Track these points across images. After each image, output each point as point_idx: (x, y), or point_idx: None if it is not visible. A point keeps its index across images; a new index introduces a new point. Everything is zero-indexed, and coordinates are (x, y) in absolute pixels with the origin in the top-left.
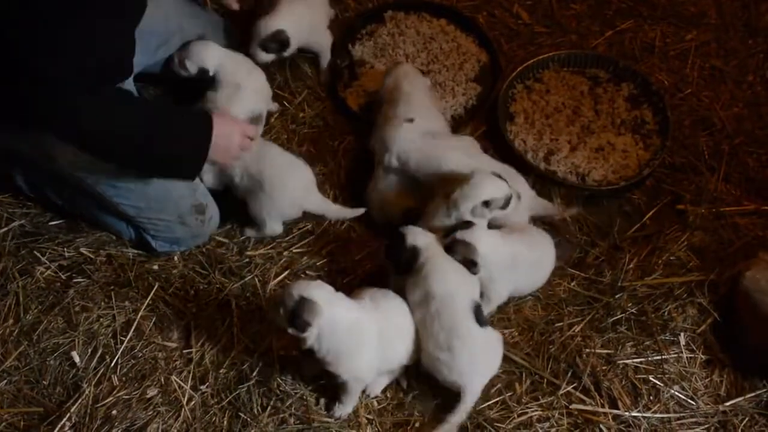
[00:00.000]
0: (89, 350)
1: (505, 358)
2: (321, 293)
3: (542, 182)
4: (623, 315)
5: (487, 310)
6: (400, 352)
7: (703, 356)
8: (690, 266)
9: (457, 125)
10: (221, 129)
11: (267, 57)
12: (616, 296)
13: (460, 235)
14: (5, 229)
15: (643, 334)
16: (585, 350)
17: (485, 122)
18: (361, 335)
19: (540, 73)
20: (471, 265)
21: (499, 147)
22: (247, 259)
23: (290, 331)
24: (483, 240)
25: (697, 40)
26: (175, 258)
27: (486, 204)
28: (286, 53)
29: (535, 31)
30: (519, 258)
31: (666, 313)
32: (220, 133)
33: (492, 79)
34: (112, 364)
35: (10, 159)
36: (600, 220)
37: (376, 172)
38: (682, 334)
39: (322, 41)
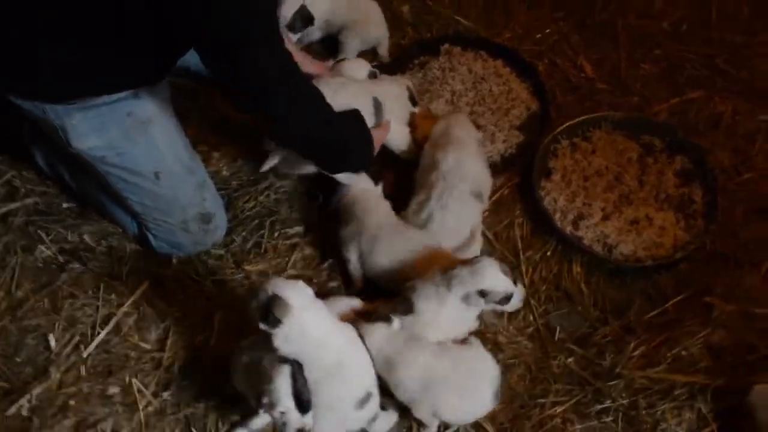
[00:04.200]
0: (66, 336)
1: (477, 426)
2: (295, 295)
3: (564, 246)
4: (612, 404)
5: None
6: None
7: None
8: (700, 366)
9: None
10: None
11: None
12: (610, 383)
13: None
14: (19, 204)
15: (629, 430)
16: None
17: (520, 174)
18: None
19: (590, 131)
20: None
21: (528, 202)
22: (243, 274)
23: (261, 326)
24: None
25: None
26: (174, 260)
27: (482, 294)
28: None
29: (596, 87)
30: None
31: (659, 412)
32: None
33: (538, 130)
34: (84, 355)
35: (33, 133)
36: (619, 298)
37: None
38: None
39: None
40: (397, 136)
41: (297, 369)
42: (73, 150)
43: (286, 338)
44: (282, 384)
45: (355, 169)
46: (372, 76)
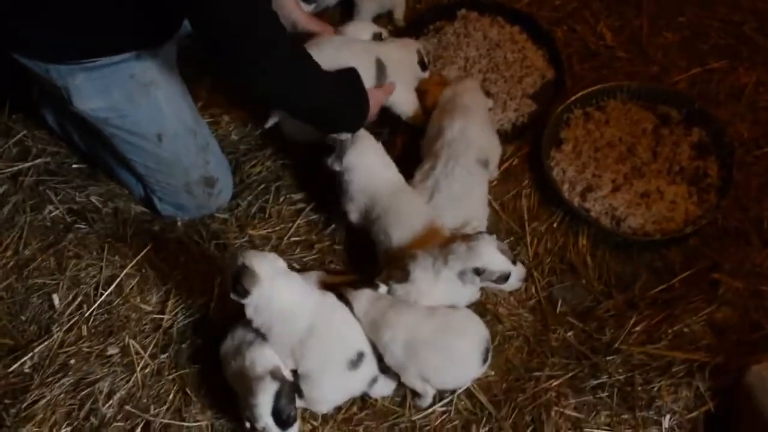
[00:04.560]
0: (70, 296)
1: (471, 396)
2: (264, 266)
3: (572, 218)
4: (608, 380)
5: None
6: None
7: None
8: (701, 344)
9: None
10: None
11: (308, 7)
12: (608, 358)
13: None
14: (30, 163)
15: (624, 406)
16: (555, 408)
17: (531, 144)
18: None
19: (605, 101)
20: None
21: (537, 173)
22: (246, 238)
23: (232, 296)
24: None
25: None
26: (178, 223)
27: (477, 272)
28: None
29: (615, 55)
30: (420, 337)
31: (656, 389)
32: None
33: (552, 98)
34: (87, 315)
35: (42, 93)
36: (625, 272)
37: None
38: (668, 415)
39: None
40: (402, 101)
41: (285, 388)
42: (76, 110)
43: (255, 309)
44: (264, 401)
45: (350, 130)
46: (377, 38)
